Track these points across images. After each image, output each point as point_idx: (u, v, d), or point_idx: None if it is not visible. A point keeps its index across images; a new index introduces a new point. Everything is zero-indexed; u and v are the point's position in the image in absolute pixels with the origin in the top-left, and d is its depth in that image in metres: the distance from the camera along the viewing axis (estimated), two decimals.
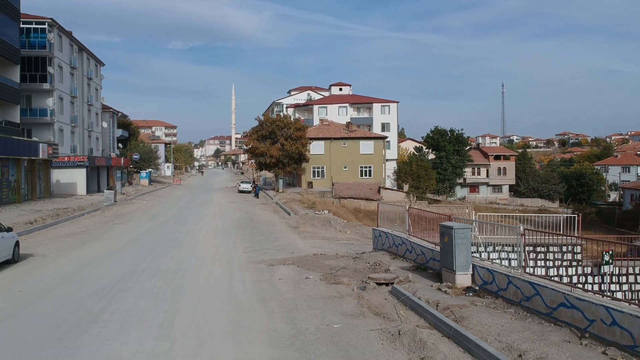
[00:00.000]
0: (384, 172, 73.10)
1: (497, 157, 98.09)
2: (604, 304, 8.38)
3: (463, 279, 12.14)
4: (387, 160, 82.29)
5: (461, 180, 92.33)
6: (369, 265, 16.21)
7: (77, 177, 50.93)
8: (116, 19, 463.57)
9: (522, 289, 10.40)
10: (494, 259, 13.11)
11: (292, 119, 65.91)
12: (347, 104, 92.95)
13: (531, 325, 9.44)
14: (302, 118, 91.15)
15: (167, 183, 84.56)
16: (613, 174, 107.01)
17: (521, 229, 10.98)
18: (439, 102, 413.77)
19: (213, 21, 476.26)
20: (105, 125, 71.12)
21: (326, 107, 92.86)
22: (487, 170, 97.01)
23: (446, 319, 9.81)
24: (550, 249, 19.80)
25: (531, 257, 19.93)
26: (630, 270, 19.88)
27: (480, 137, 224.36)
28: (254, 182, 68.69)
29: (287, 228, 29.33)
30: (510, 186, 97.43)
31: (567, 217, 20.45)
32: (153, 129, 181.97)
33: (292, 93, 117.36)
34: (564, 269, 19.96)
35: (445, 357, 8.29)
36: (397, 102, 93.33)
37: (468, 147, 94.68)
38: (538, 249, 19.82)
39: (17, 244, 17.42)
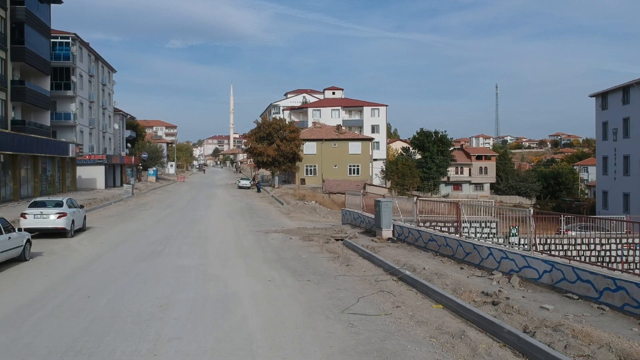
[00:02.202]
0: (370, 170, 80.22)
1: (479, 157, 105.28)
2: (444, 236, 15.51)
3: (387, 233, 19.24)
4: (376, 159, 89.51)
5: (445, 179, 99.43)
6: (335, 232, 23.23)
7: (97, 174, 58.04)
8: (115, 18, 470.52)
9: (414, 235, 17.51)
10: (410, 221, 20.10)
11: (287, 122, 72.97)
12: (339, 107, 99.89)
13: (414, 252, 16.52)
14: (298, 120, 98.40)
15: (172, 180, 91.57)
16: (592, 173, 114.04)
17: (414, 199, 18.06)
18: (437, 102, 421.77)
19: (212, 20, 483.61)
20: (116, 126, 78.10)
21: (320, 110, 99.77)
22: (470, 170, 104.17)
23: (367, 250, 16.88)
24: (472, 224, 26.85)
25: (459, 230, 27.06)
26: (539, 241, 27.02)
27: (473, 138, 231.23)
28: (254, 179, 75.60)
29: (280, 214, 36.30)
30: (491, 184, 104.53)
31: (487, 201, 27.54)
32: (154, 128, 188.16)
33: (289, 96, 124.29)
34: (483, 240, 26.99)
35: (359, 264, 15.38)
36: (387, 106, 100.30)
37: (452, 148, 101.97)
38: (464, 224, 26.88)
39: (85, 217, 24.45)
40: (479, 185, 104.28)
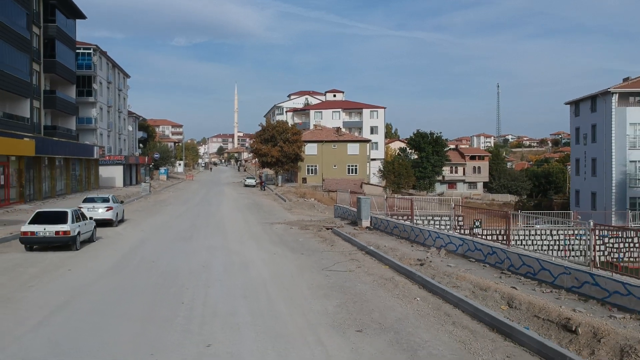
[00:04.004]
0: (368, 169, 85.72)
1: (472, 157, 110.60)
2: (402, 223, 20.95)
3: (366, 223, 24.70)
4: (374, 159, 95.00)
5: (440, 178, 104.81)
6: (327, 223, 28.68)
7: (116, 173, 63.76)
8: (119, 15, 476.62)
9: (384, 224, 22.95)
10: (384, 214, 25.52)
11: (289, 125, 78.50)
12: (340, 109, 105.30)
13: (383, 237, 21.96)
14: (300, 121, 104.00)
15: (181, 179, 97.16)
16: None
17: (385, 196, 23.47)
18: (439, 101, 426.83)
19: (216, 18, 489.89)
20: (130, 128, 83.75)
21: (321, 112, 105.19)
22: (464, 169, 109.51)
23: (349, 236, 22.32)
24: (443, 218, 32.26)
25: (428, 222, 32.44)
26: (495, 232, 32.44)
27: (475, 137, 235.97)
28: (260, 177, 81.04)
29: (282, 209, 41.75)
30: (485, 183, 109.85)
31: (456, 200, 32.90)
32: (161, 128, 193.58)
33: (292, 97, 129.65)
34: (452, 231, 32.39)
35: (341, 245, 20.84)
36: (385, 108, 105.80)
37: (447, 149, 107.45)
38: (435, 218, 32.30)
39: (123, 210, 29.92)
40: (472, 184, 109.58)
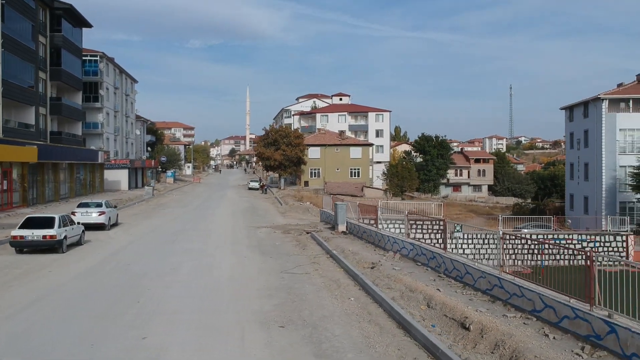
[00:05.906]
0: (370, 173, 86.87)
1: (477, 160, 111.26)
2: (369, 229, 22.19)
3: (342, 227, 26.00)
4: (379, 162, 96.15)
5: (445, 181, 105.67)
6: (310, 227, 30.00)
7: (121, 176, 65.60)
8: (136, 18, 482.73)
9: (357, 229, 24.22)
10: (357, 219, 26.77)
11: (292, 129, 79.95)
12: (345, 113, 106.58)
13: (354, 241, 23.23)
14: (307, 124, 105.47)
15: (189, 181, 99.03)
16: None
17: (357, 203, 24.76)
18: (452, 102, 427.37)
19: (231, 20, 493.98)
20: (138, 132, 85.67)
21: (327, 115, 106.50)
22: (469, 172, 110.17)
23: (322, 240, 23.60)
24: (425, 223, 33.43)
25: (410, 227, 33.61)
26: (474, 236, 33.62)
27: (487, 139, 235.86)
28: (260, 180, 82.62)
29: (277, 213, 43.09)
30: (489, 186, 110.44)
31: (437, 204, 34.11)
32: (172, 130, 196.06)
33: (300, 100, 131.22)
34: (433, 234, 33.57)
35: (312, 248, 22.15)
36: (390, 111, 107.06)
37: (451, 152, 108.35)
38: (417, 222, 33.45)
39: (117, 215, 31.48)
40: (477, 187, 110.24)
